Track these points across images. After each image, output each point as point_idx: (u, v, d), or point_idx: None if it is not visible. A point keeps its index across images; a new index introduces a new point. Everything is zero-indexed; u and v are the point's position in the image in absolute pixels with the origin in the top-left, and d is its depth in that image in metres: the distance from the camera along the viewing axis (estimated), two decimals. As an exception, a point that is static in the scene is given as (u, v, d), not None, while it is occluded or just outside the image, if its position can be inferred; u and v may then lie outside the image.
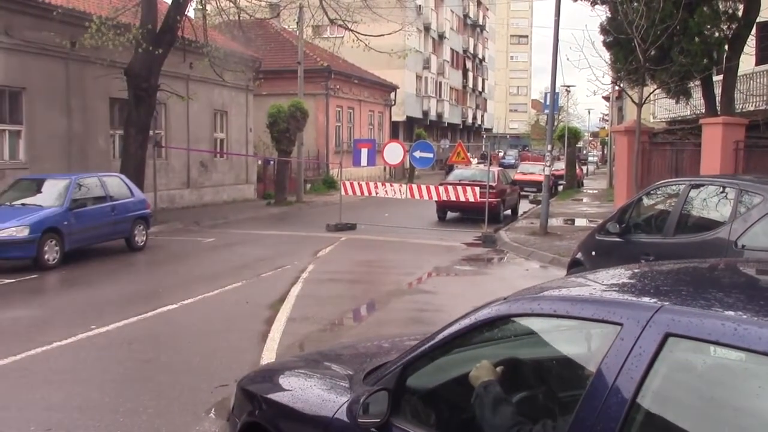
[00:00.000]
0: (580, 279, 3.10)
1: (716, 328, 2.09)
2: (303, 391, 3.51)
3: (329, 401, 3.24)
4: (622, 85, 19.18)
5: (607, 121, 54.11)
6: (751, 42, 19.03)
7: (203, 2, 21.83)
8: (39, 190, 14.41)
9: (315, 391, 3.46)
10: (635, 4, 15.16)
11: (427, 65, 58.10)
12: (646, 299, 2.45)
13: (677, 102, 20.88)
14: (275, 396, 3.61)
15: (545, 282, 3.17)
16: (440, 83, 62.38)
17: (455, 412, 2.95)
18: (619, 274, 3.06)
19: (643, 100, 15.78)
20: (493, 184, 20.48)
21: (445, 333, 2.96)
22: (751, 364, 2.06)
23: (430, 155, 20.97)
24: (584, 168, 51.12)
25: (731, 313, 2.20)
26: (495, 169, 23.77)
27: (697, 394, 2.23)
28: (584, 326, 2.61)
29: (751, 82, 21.36)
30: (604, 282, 2.91)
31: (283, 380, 3.75)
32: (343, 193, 20.69)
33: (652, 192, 8.98)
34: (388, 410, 2.85)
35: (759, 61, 21.46)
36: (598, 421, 2.20)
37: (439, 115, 61.75)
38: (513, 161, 62.32)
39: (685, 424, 2.18)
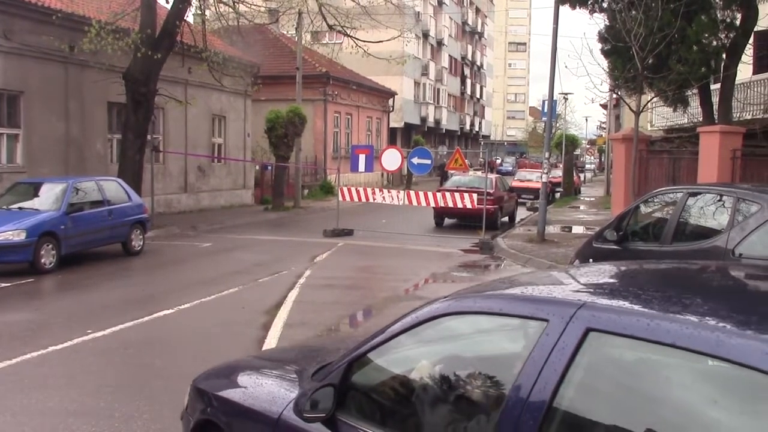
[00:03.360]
0: (518, 278, 3.28)
1: (632, 323, 2.27)
2: (254, 389, 3.59)
3: (279, 398, 3.32)
4: (619, 93, 19.22)
5: (605, 128, 54.21)
6: (749, 51, 19.09)
7: (202, 7, 21.86)
8: (36, 194, 14.38)
9: (265, 388, 3.53)
10: (633, 12, 15.21)
11: (425, 72, 58.21)
12: (571, 297, 2.58)
13: (675, 110, 20.95)
14: (226, 393, 3.69)
15: (487, 281, 3.29)
16: (438, 90, 62.50)
17: (398, 408, 3.04)
18: (551, 274, 3.25)
19: (641, 108, 15.81)
20: (491, 191, 20.50)
21: (388, 331, 3.07)
22: (661, 355, 2.22)
23: (428, 162, 20.99)
24: (582, 175, 51.16)
25: (646, 309, 2.40)
26: (492, 176, 23.79)
27: (616, 385, 2.36)
28: (516, 323, 2.74)
29: (749, 90, 21.43)
30: (539, 281, 3.12)
31: (236, 378, 3.82)
32: (340, 198, 20.69)
33: (649, 200, 8.99)
34: (333, 405, 2.94)
35: (756, 70, 21.53)
36: (524, 411, 2.35)
37: (437, 122, 61.83)
38: (510, 168, 62.37)
39: (604, 412, 2.33)
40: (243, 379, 3.78)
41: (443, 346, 3.12)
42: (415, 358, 3.04)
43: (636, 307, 2.44)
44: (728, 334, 2.09)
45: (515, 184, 32.52)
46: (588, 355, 2.33)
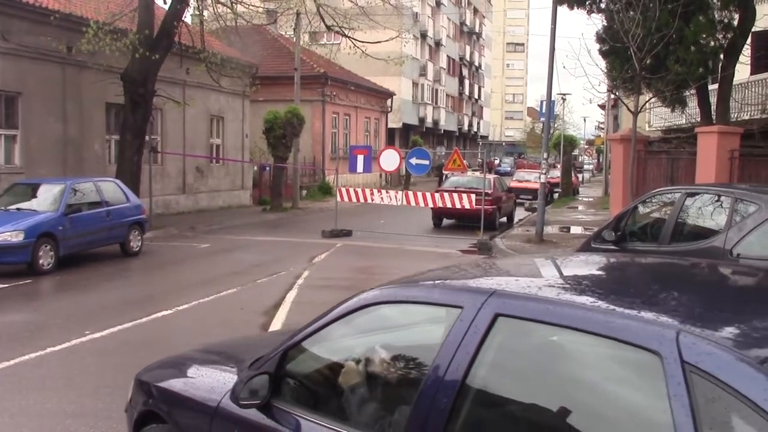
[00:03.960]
0: (439, 271, 3.51)
1: (534, 308, 2.52)
2: (195, 379, 3.73)
3: (218, 387, 3.43)
4: (617, 93, 19.22)
5: (603, 129, 54.22)
6: (747, 51, 19.10)
7: (200, 8, 21.85)
8: (34, 195, 14.37)
9: (205, 378, 3.67)
10: (631, 12, 15.23)
11: (423, 72, 58.20)
12: (484, 285, 2.85)
13: (673, 110, 20.94)
14: (168, 384, 3.80)
15: (416, 272, 3.48)
16: (436, 90, 62.49)
17: (330, 393, 3.20)
18: (469, 266, 3.57)
19: (639, 108, 15.82)
20: (489, 192, 20.50)
21: (321, 321, 3.22)
22: (561, 336, 2.49)
23: (426, 162, 20.97)
24: (580, 176, 51.17)
25: (548, 295, 2.63)
26: (491, 176, 23.80)
27: (522, 364, 2.62)
28: (437, 310, 2.93)
29: (747, 91, 21.44)
30: (460, 271, 3.41)
31: (177, 370, 3.96)
32: (338, 199, 20.68)
33: (647, 200, 8.99)
34: (268, 392, 3.09)
35: (754, 70, 21.54)
36: (439, 390, 2.55)
37: (435, 122, 61.83)
38: (509, 169, 62.34)
39: (511, 389, 2.60)
40: (184, 370, 3.90)
41: (371, 333, 3.28)
42: (346, 346, 3.27)
43: (540, 293, 2.66)
44: (617, 316, 2.33)
45: (513, 184, 32.53)
46: (497, 337, 2.54)
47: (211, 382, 3.56)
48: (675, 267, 3.51)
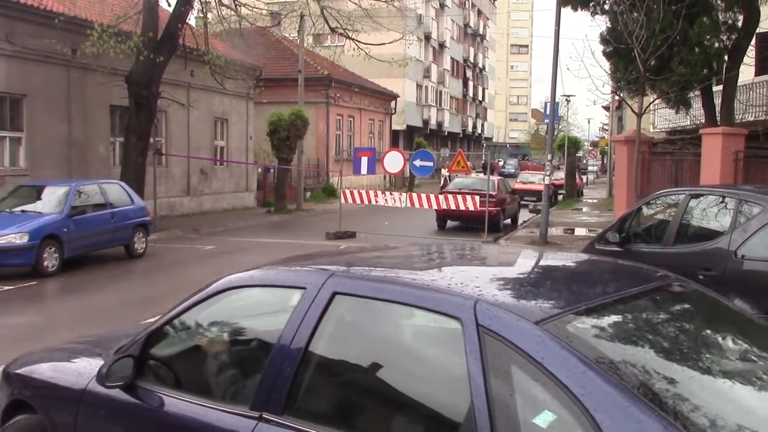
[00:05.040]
0: (294, 259, 3.85)
1: (365, 287, 2.96)
2: (63, 366, 3.86)
3: (85, 373, 3.59)
4: (622, 94, 19.20)
5: (607, 130, 54.18)
6: (751, 52, 19.05)
7: (204, 10, 21.89)
8: (39, 197, 14.41)
9: (73, 365, 3.83)
10: (635, 14, 15.19)
11: (427, 74, 58.22)
12: (326, 268, 3.19)
13: (677, 112, 20.89)
14: (36, 374, 3.91)
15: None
16: (440, 92, 62.50)
17: (190, 373, 3.43)
18: (318, 255, 3.97)
19: (643, 109, 15.78)
20: (493, 193, 20.49)
21: (181, 306, 3.45)
22: (386, 309, 2.89)
23: (430, 164, 20.99)
24: (584, 177, 51.14)
25: (377, 275, 3.13)
26: (495, 178, 23.79)
27: (354, 334, 3.04)
28: (287, 292, 3.23)
29: (751, 92, 21.40)
30: (309, 259, 3.68)
31: (46, 360, 4.06)
32: (342, 201, 20.69)
33: (652, 202, 8.97)
34: (132, 373, 3.29)
35: (758, 72, 21.49)
36: (284, 360, 2.89)
37: (440, 124, 61.84)
38: (513, 170, 62.34)
39: (345, 357, 3.00)
40: (53, 358, 4.04)
41: (230, 314, 3.52)
42: (205, 328, 3.50)
43: (372, 273, 3.16)
44: (430, 290, 2.77)
45: (518, 186, 32.52)
46: (334, 313, 2.92)
47: (78, 368, 3.71)
48: (511, 253, 4.27)
